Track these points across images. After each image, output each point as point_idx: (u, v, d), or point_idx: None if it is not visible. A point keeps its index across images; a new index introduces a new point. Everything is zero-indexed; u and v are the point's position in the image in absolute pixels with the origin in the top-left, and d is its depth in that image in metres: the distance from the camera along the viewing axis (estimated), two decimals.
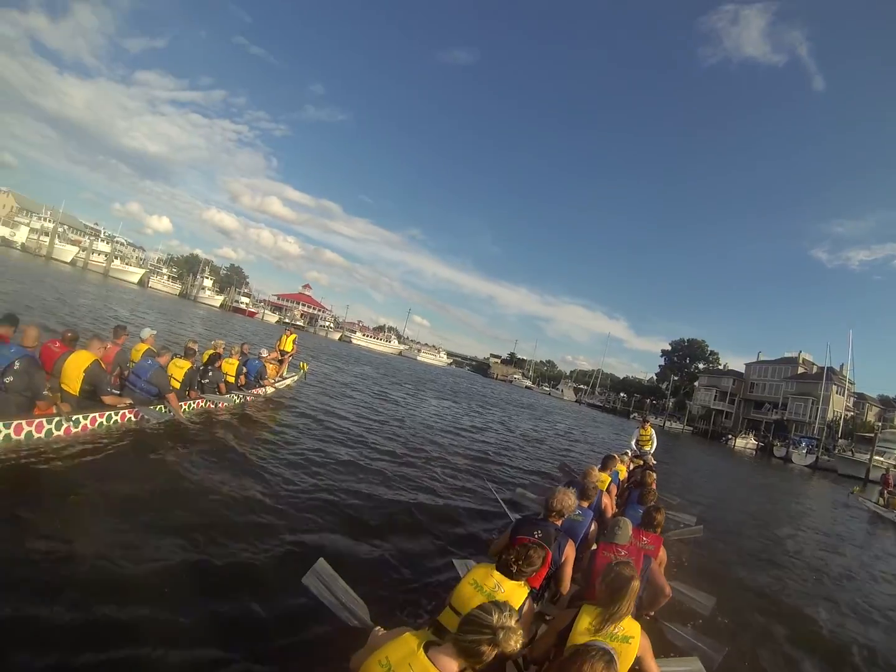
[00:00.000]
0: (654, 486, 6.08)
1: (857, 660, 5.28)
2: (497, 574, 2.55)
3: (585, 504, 4.43)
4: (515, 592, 2.51)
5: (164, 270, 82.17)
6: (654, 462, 9.92)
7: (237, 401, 9.15)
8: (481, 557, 4.47)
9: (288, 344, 13.16)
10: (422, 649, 1.68)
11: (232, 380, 9.25)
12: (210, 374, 8.44)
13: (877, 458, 38.38)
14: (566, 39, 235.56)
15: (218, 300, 78.70)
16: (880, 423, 55.44)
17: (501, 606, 1.78)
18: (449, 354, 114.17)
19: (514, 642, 1.71)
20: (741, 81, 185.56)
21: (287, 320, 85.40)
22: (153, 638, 2.78)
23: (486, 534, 6.05)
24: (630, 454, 9.64)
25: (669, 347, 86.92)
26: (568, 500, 3.53)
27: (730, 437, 56.05)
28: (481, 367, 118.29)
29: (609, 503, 5.46)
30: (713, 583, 5.88)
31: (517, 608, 2.37)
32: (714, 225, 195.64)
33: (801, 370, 63.50)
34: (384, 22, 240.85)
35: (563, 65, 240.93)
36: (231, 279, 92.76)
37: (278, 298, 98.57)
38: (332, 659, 2.69)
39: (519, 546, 2.67)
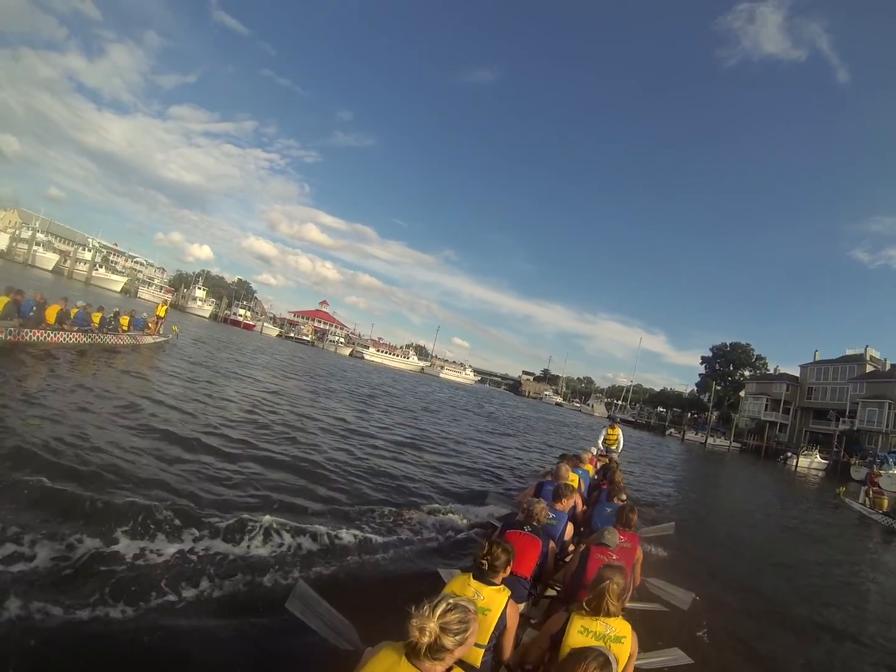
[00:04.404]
0: (622, 483, 6.01)
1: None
2: (474, 582, 2.59)
3: (560, 507, 4.38)
4: (495, 598, 2.52)
5: (156, 281, 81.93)
6: (619, 461, 9.86)
7: (129, 340, 17.23)
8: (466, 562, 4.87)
9: (161, 311, 21.10)
10: (404, 657, 1.73)
11: (125, 328, 17.14)
12: (111, 323, 16.27)
13: None
14: (584, 55, 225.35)
15: (207, 310, 78.65)
16: None
17: (434, 606, 1.77)
18: (476, 372, 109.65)
19: (423, 633, 1.68)
20: (763, 80, 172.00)
21: (292, 334, 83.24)
22: None
23: (468, 540, 6.08)
24: (596, 452, 9.54)
25: (710, 354, 76.49)
26: (542, 510, 3.77)
27: (789, 454, 45.54)
28: (514, 386, 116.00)
29: (580, 502, 5.45)
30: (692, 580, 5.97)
31: (499, 613, 2.48)
32: (748, 233, 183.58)
33: (869, 368, 52.34)
34: (405, 46, 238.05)
35: (583, 79, 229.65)
36: (238, 294, 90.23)
37: (294, 315, 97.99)
38: None
39: (488, 545, 2.71)
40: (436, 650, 1.69)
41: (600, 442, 10.68)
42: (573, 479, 5.66)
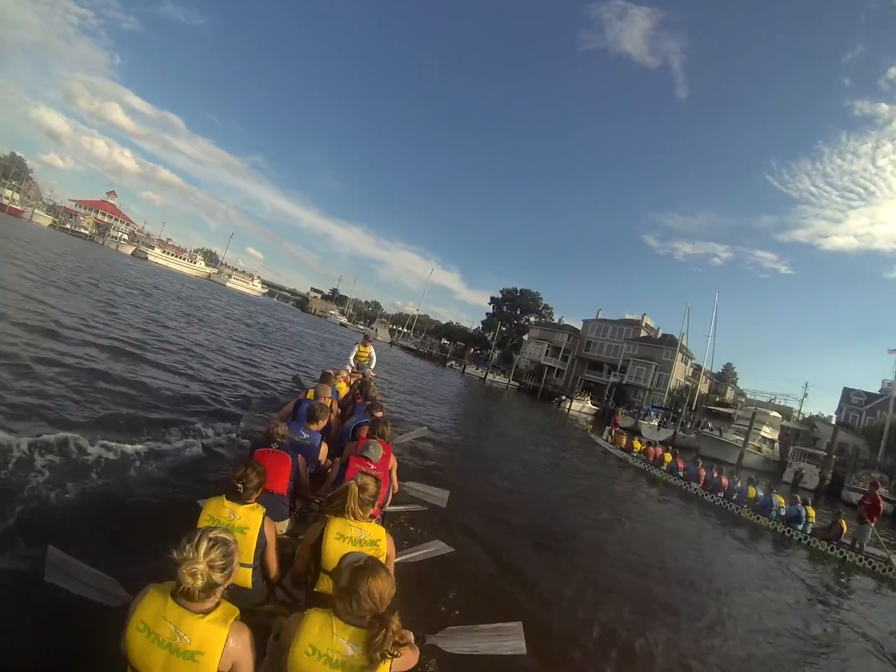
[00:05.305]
0: (376, 397, 6.25)
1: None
2: (229, 503, 2.58)
3: (314, 427, 4.39)
4: (251, 516, 2.56)
5: None
6: (374, 376, 10.38)
7: None
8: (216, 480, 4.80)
9: None
10: (170, 599, 1.70)
11: None
12: None
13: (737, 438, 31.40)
14: None
15: None
16: (738, 399, 51.96)
17: (196, 545, 1.72)
18: (266, 284, 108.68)
19: (195, 577, 1.66)
20: (613, 72, 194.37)
21: (68, 226, 69.72)
22: None
23: (220, 459, 5.87)
24: (349, 370, 9.92)
25: (500, 296, 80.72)
26: (280, 429, 3.67)
27: (563, 398, 48.04)
28: (302, 302, 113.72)
29: (334, 420, 5.63)
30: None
31: (257, 530, 2.54)
32: (558, 191, 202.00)
33: (643, 333, 59.07)
34: None
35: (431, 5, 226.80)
36: (8, 171, 72.65)
37: (76, 205, 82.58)
38: (103, 649, 2.34)
39: (242, 467, 2.71)
40: (207, 588, 1.69)
41: (352, 358, 10.69)
42: (328, 398, 5.78)
